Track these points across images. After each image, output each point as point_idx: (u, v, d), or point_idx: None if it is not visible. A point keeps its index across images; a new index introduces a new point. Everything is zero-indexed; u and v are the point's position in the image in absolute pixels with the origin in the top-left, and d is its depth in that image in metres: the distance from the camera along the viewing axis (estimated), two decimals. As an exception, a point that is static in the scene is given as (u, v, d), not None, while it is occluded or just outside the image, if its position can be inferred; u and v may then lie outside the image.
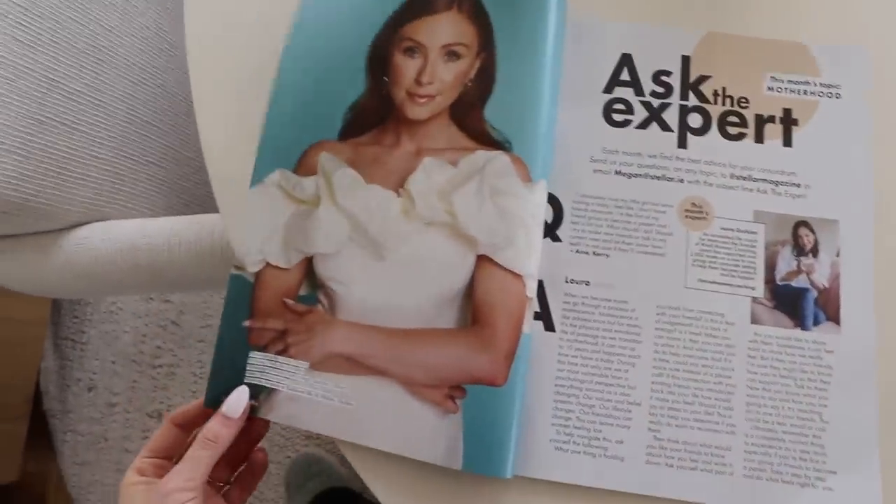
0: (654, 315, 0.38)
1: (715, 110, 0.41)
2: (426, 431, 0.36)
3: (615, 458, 0.37)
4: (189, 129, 0.70)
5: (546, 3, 0.40)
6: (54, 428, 1.14)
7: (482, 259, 0.37)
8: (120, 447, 1.10)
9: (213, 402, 0.37)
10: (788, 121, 0.41)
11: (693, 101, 0.41)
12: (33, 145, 0.51)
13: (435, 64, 0.40)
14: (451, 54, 0.40)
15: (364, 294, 0.38)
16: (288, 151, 0.41)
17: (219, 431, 0.35)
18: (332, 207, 0.39)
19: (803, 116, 0.41)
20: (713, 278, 0.39)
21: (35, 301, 1.08)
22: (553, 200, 0.40)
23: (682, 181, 0.40)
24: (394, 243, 0.38)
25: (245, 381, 0.38)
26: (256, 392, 0.38)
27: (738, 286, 0.38)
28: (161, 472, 0.36)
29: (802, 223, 0.39)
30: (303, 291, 0.39)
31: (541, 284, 0.39)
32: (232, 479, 0.41)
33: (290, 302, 0.38)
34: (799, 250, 0.39)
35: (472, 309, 0.37)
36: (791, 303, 0.38)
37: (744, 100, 0.41)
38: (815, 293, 0.38)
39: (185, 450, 0.36)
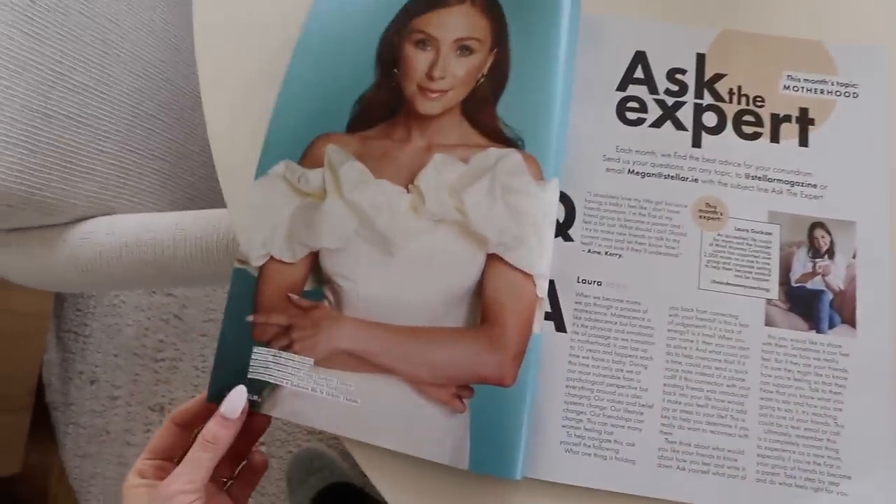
0: (667, 316, 0.38)
1: (730, 109, 0.41)
2: (433, 430, 0.36)
3: (626, 460, 0.36)
4: (195, 123, 0.70)
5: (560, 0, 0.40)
6: (56, 420, 1.14)
7: (492, 258, 0.37)
8: (122, 440, 1.10)
9: (216, 396, 0.37)
10: (805, 120, 0.41)
11: (708, 99, 0.41)
12: (39, 138, 0.50)
13: (447, 58, 0.39)
14: (464, 49, 0.40)
15: (371, 290, 0.37)
16: (294, 143, 0.40)
17: (217, 433, 0.35)
18: (339, 201, 0.39)
19: (820, 116, 0.41)
20: (727, 279, 0.38)
21: (38, 293, 1.07)
22: (565, 199, 0.39)
23: (696, 181, 0.40)
24: (402, 240, 0.38)
25: (248, 376, 0.37)
26: (260, 388, 0.37)
27: (753, 288, 0.38)
28: (162, 473, 0.36)
29: (818, 224, 0.39)
30: (308, 286, 0.38)
31: (552, 284, 0.38)
32: (234, 475, 0.40)
33: (294, 297, 0.38)
34: (814, 252, 0.39)
35: (482, 308, 0.36)
36: (806, 305, 0.38)
37: (759, 99, 0.41)
38: (830, 295, 0.38)
39: (186, 450, 0.36)
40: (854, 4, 0.43)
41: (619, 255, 0.39)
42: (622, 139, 0.41)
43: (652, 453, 0.36)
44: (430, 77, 0.39)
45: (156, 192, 0.64)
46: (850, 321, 0.37)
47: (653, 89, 0.41)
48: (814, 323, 0.37)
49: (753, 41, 0.42)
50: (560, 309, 0.38)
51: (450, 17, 0.40)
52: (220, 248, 0.54)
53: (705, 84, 0.41)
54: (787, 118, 0.41)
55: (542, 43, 0.39)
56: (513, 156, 0.38)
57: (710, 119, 0.41)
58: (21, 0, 0.48)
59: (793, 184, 0.40)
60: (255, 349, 0.38)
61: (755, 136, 0.40)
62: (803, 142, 0.40)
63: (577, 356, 0.38)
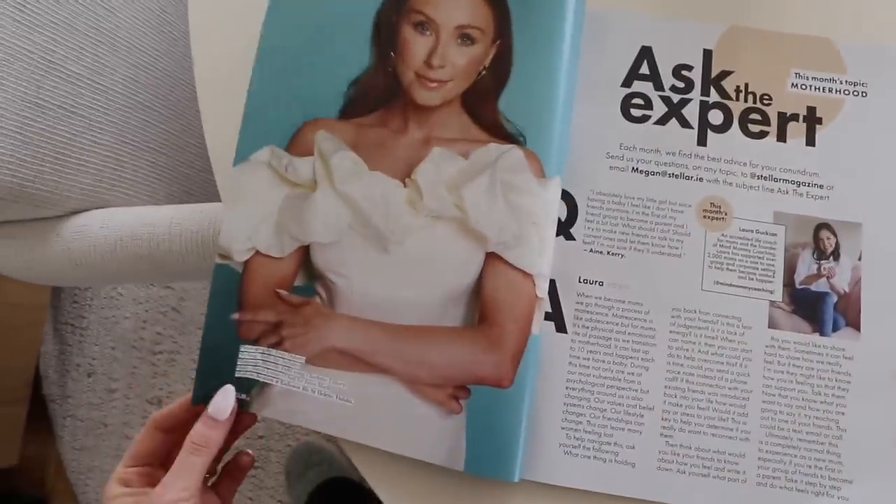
0: (669, 317, 0.37)
1: (736, 107, 0.40)
2: (428, 431, 0.35)
3: (626, 463, 0.36)
4: (191, 114, 0.69)
5: (564, -8, 0.39)
6: (54, 413, 1.14)
7: (491, 256, 0.36)
8: (119, 433, 1.10)
9: (202, 398, 0.36)
10: (812, 119, 0.40)
11: (714, 96, 0.40)
12: (31, 129, 0.49)
13: (447, 46, 0.38)
14: (465, 38, 0.38)
15: (366, 287, 0.37)
16: (279, 127, 0.38)
17: (207, 434, 0.34)
18: (331, 192, 0.37)
19: (828, 115, 0.40)
20: (731, 281, 0.38)
21: (35, 286, 1.06)
22: (567, 197, 0.39)
23: (700, 180, 0.39)
24: (399, 236, 0.37)
25: (236, 375, 0.36)
26: (248, 386, 0.36)
27: (756, 289, 0.37)
28: (148, 480, 0.35)
29: (824, 225, 0.38)
30: (299, 282, 0.37)
31: (553, 284, 0.38)
32: (219, 470, 0.39)
33: (284, 293, 0.37)
34: (819, 253, 0.38)
35: (480, 308, 0.36)
36: (810, 307, 0.37)
37: (766, 97, 0.40)
38: (835, 298, 0.37)
39: (171, 455, 0.35)
40: (864, 2, 0.42)
41: (622, 255, 0.38)
42: (626, 136, 0.40)
43: (652, 456, 0.36)
44: (428, 65, 0.38)
45: (151, 185, 0.63)
46: (855, 324, 0.37)
47: (658, 86, 0.40)
48: (817, 325, 0.37)
49: (762, 38, 0.41)
50: (561, 309, 0.38)
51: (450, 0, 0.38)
52: (216, 243, 0.53)
53: (712, 81, 0.40)
54: (795, 117, 0.40)
55: (546, 37, 0.38)
56: (514, 152, 0.37)
57: (716, 117, 0.40)
58: (12, -13, 0.47)
59: (799, 184, 0.39)
60: (243, 347, 0.37)
61: (762, 135, 0.40)
62: (810, 141, 0.39)
63: (578, 357, 0.37)
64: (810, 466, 0.35)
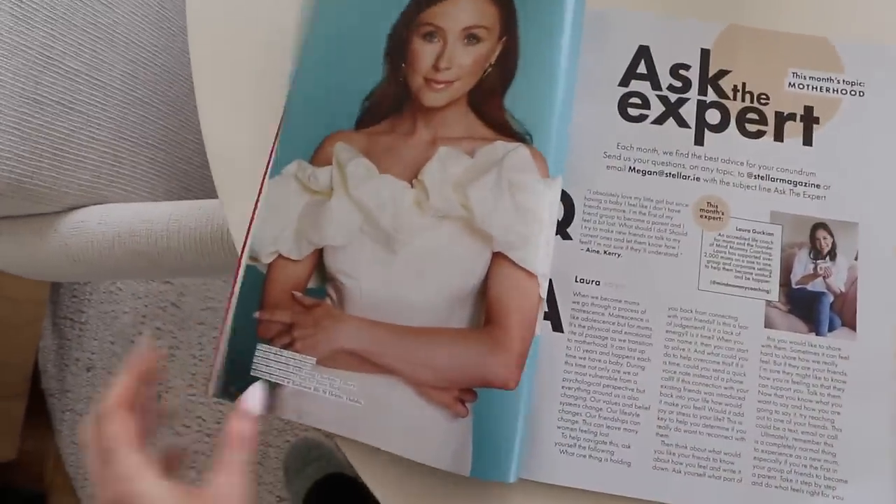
0: (666, 317, 0.37)
1: (734, 106, 0.40)
2: (434, 435, 0.35)
3: (622, 462, 0.36)
4: (190, 110, 0.69)
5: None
6: (53, 407, 1.14)
7: (498, 257, 0.36)
8: (118, 428, 1.10)
9: (223, 393, 0.37)
10: (809, 119, 0.40)
11: (712, 96, 0.40)
12: (29, 125, 0.49)
13: (454, 47, 0.38)
14: (471, 37, 0.38)
15: (374, 288, 0.37)
16: (306, 143, 0.39)
17: (247, 429, 0.34)
18: (345, 198, 0.38)
19: (825, 115, 0.40)
20: (727, 280, 0.38)
21: (34, 281, 1.07)
22: (564, 197, 0.39)
23: (697, 179, 0.39)
24: (406, 236, 0.37)
25: (251, 374, 0.37)
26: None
27: (753, 289, 0.37)
28: (168, 468, 0.34)
29: (821, 225, 0.38)
30: (312, 284, 0.38)
31: (550, 284, 0.38)
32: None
33: (297, 294, 0.37)
34: (816, 253, 0.38)
35: (486, 308, 0.36)
36: (806, 307, 0.37)
37: (764, 96, 0.40)
38: (831, 298, 0.37)
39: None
40: (862, 2, 0.42)
41: (618, 255, 0.38)
42: (623, 136, 0.40)
43: (648, 455, 0.36)
44: (436, 68, 0.38)
45: (150, 181, 0.63)
46: (851, 324, 0.37)
47: (656, 85, 0.40)
48: (814, 325, 0.37)
49: (760, 37, 0.41)
50: (557, 308, 0.38)
51: (457, 6, 0.39)
52: (214, 240, 0.53)
53: (709, 80, 0.40)
54: (792, 116, 0.40)
55: (548, 33, 0.38)
56: (520, 151, 0.37)
57: (713, 116, 0.40)
58: (10, -17, 0.47)
59: (796, 183, 0.39)
60: (258, 346, 0.37)
61: (759, 135, 0.40)
62: (807, 141, 0.39)
63: (574, 356, 0.37)
64: (806, 466, 0.35)
